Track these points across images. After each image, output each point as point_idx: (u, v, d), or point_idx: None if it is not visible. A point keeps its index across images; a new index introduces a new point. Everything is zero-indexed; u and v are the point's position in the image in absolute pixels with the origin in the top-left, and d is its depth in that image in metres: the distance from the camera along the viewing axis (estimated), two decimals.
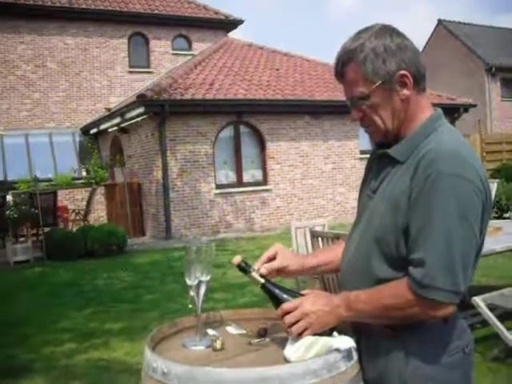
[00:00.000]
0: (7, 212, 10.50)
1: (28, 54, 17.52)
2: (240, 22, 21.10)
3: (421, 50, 30.84)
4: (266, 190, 14.27)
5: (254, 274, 1.74)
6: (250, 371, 1.46)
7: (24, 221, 10.90)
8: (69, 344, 5.49)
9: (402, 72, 1.55)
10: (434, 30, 31.17)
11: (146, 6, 19.47)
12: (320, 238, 4.81)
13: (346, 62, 1.58)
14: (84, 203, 15.60)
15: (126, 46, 18.88)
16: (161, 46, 19.42)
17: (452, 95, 17.62)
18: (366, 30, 1.60)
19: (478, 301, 4.28)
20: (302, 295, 1.72)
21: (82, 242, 10.91)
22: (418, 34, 77.41)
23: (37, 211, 10.95)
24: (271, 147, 14.35)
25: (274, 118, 14.33)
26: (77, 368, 4.82)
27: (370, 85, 1.56)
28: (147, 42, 19.29)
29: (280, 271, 1.82)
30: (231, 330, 1.97)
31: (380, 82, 1.55)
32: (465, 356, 1.59)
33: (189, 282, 1.84)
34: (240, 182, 14.13)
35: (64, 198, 15.42)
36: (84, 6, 18.19)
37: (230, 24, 20.94)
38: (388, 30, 1.59)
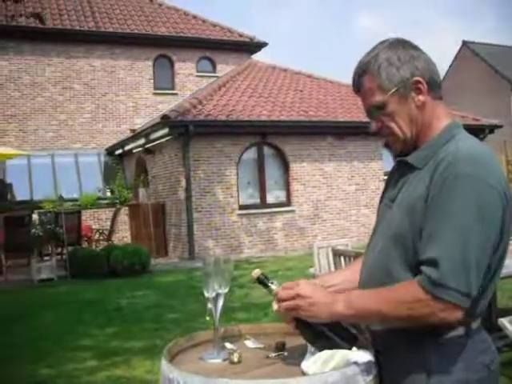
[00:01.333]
0: (32, 231, 10.62)
1: (56, 76, 17.87)
2: (264, 44, 21.28)
3: (445, 71, 30.76)
4: (290, 211, 14.23)
5: (274, 287, 1.71)
6: (268, 383, 1.44)
7: (49, 240, 11.02)
8: (90, 361, 5.50)
9: (416, 78, 1.59)
10: (459, 51, 31.09)
11: (171, 28, 19.77)
12: (342, 257, 4.77)
13: (361, 74, 1.64)
14: (108, 223, 15.71)
15: (151, 68, 19.16)
16: (185, 68, 19.65)
17: (477, 116, 17.49)
18: (380, 43, 1.67)
19: (506, 322, 4.18)
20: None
21: (106, 262, 10.97)
22: (442, 55, 77.25)
23: (61, 230, 11.06)
24: (295, 168, 14.34)
25: (297, 139, 14.34)
26: None
27: (386, 93, 1.59)
28: (172, 64, 19.54)
29: None
30: (249, 344, 1.95)
31: (395, 89, 1.58)
32: (490, 373, 1.54)
33: (207, 294, 1.84)
34: (263, 203, 14.12)
35: (88, 218, 15.57)
36: (111, 30, 18.57)
37: (253, 46, 21.14)
38: (401, 42, 1.65)
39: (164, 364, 1.66)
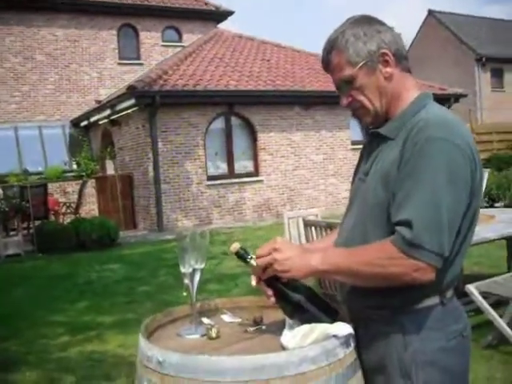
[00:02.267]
0: None
1: (16, 45, 17.35)
2: (230, 13, 20.99)
3: (411, 40, 30.87)
4: (258, 181, 14.24)
5: (253, 262, 1.68)
6: (247, 359, 1.44)
7: (14, 214, 10.83)
8: (62, 337, 5.46)
9: (383, 50, 1.61)
10: (425, 20, 31.19)
11: None
12: (313, 228, 4.80)
13: (329, 50, 1.67)
14: (75, 196, 15.50)
15: (115, 37, 18.74)
16: (151, 38, 19.30)
17: (443, 85, 17.66)
18: (347, 20, 1.70)
19: (472, 288, 4.29)
20: (304, 285, 1.69)
21: (74, 235, 10.86)
22: (409, 25, 77.53)
23: (27, 204, 10.88)
24: (262, 138, 14.31)
25: (265, 109, 14.28)
26: (70, 361, 4.78)
27: (354, 66, 1.61)
28: (137, 33, 19.16)
29: None
30: (226, 318, 1.95)
31: (363, 63, 1.61)
32: (463, 340, 1.59)
33: (183, 269, 1.82)
34: (231, 174, 14.09)
35: (55, 192, 15.30)
36: None
37: (220, 15, 20.83)
38: (367, 18, 1.68)
39: (142, 341, 1.64)
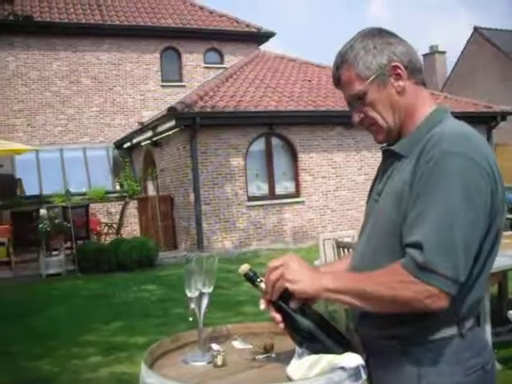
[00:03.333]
0: (40, 225, 10.61)
1: (63, 70, 17.81)
2: (271, 34, 21.08)
3: (457, 58, 30.41)
4: (299, 202, 14.12)
5: (263, 285, 1.59)
6: None
7: (56, 234, 10.99)
8: (94, 357, 5.47)
9: (394, 63, 1.53)
10: (470, 37, 30.68)
11: (178, 20, 19.63)
12: (346, 250, 4.67)
13: (339, 65, 1.59)
14: (117, 217, 15.70)
15: (158, 60, 19.04)
16: (193, 60, 19.53)
17: (489, 103, 17.23)
18: (358, 33, 1.62)
19: None
20: (315, 311, 1.59)
21: (114, 256, 10.95)
22: (454, 42, 76.51)
23: (69, 224, 11.04)
24: (303, 159, 14.21)
25: (305, 130, 14.20)
26: (100, 382, 4.78)
27: (364, 81, 1.54)
28: (179, 55, 19.42)
29: None
30: (237, 344, 1.87)
31: (373, 77, 1.53)
32: (485, 375, 1.45)
33: (189, 293, 1.75)
34: (272, 194, 14.02)
35: (98, 212, 15.56)
36: (117, 23, 18.45)
37: (261, 37, 20.94)
38: (376, 30, 1.60)
39: (142, 368, 1.58)
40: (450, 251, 1.31)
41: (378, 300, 1.40)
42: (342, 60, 1.57)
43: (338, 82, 1.62)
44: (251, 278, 1.62)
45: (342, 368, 1.42)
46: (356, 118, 1.61)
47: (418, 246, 1.33)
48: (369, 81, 1.53)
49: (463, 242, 1.32)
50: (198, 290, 1.75)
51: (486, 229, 1.38)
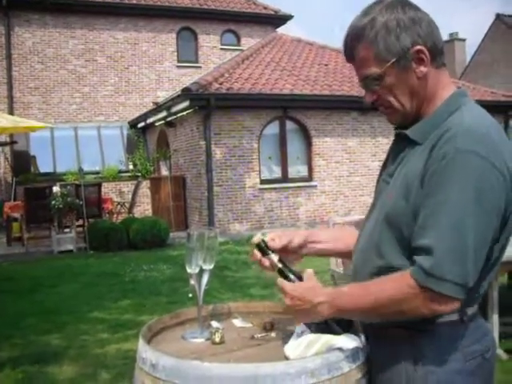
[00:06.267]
0: (52, 202, 10.67)
1: (79, 48, 17.82)
2: (289, 17, 20.91)
3: (477, 46, 29.99)
4: (312, 187, 14.07)
5: (273, 257, 1.61)
6: (240, 367, 1.34)
7: (68, 211, 11.06)
8: (102, 334, 5.51)
9: (418, 47, 1.41)
10: (492, 24, 30.21)
11: (195, 0, 19.52)
12: None
13: (355, 40, 1.45)
14: (130, 196, 15.75)
15: (174, 40, 18.98)
16: (209, 41, 19.44)
17: (508, 92, 16.98)
18: (376, 3, 1.46)
19: None
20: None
21: (125, 234, 11.00)
22: (475, 30, 75.37)
23: (81, 202, 11.09)
24: (317, 143, 14.13)
25: (320, 114, 14.10)
26: (107, 358, 4.81)
27: (383, 64, 1.42)
28: (196, 36, 19.34)
29: (285, 249, 1.67)
30: (237, 322, 1.86)
31: (394, 60, 1.41)
32: (484, 362, 1.42)
33: (189, 269, 1.74)
34: (285, 178, 13.96)
35: (110, 191, 15.60)
36: (134, 2, 18.38)
37: (279, 19, 20.78)
38: (400, 2, 1.44)
39: (140, 342, 1.58)
40: (461, 257, 1.27)
41: (381, 315, 1.39)
42: (360, 36, 1.43)
43: (350, 58, 1.51)
44: (262, 249, 1.64)
45: (340, 349, 1.40)
46: (369, 98, 1.51)
47: (427, 250, 1.29)
48: (389, 64, 1.41)
49: (474, 248, 1.27)
50: (199, 267, 1.74)
51: (499, 231, 1.34)
